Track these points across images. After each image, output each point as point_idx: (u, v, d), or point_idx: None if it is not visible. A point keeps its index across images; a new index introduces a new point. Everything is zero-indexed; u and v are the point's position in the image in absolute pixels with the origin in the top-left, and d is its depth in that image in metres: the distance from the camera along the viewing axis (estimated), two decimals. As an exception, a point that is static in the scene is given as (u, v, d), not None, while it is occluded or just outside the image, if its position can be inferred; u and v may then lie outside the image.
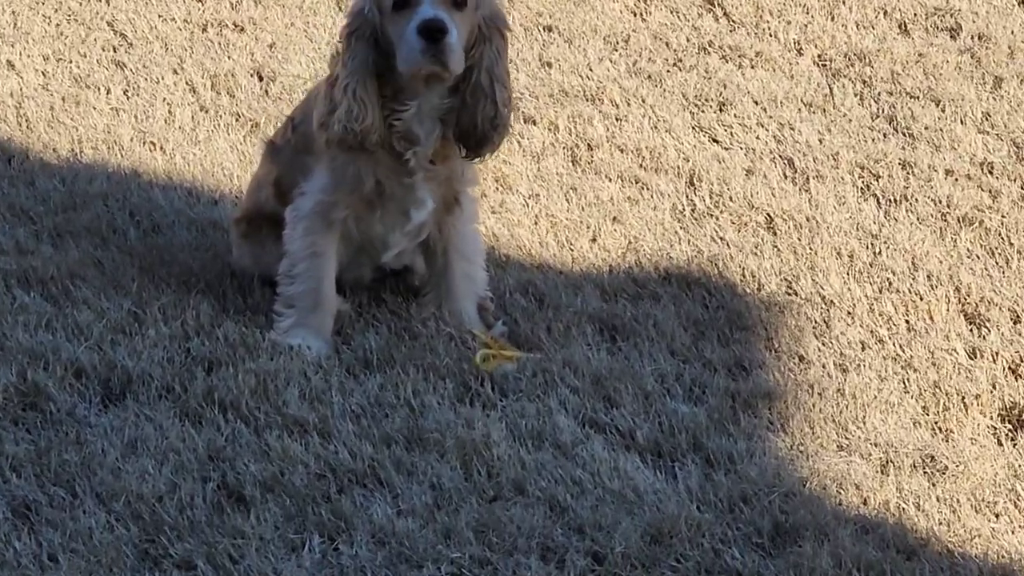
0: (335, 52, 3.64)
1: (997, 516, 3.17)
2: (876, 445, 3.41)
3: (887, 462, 3.36)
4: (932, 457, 3.37)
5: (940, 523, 3.12)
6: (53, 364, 3.62)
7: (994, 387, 3.76)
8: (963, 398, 3.68)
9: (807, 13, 6.10)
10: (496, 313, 3.98)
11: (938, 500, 3.19)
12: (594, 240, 4.54)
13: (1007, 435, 3.55)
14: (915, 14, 6.10)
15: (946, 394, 3.70)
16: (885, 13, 6.10)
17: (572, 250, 4.48)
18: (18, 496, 3.05)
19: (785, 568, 2.90)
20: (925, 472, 3.32)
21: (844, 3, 6.17)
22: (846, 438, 3.45)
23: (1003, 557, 3.04)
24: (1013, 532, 3.13)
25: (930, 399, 3.68)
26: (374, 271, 3.97)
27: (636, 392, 3.55)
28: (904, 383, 3.75)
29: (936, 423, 3.57)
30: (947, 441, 3.48)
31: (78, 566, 2.84)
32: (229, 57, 5.86)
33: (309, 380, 3.54)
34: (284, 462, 3.15)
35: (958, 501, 3.19)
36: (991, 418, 3.61)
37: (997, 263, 4.43)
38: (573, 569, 2.86)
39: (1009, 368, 3.87)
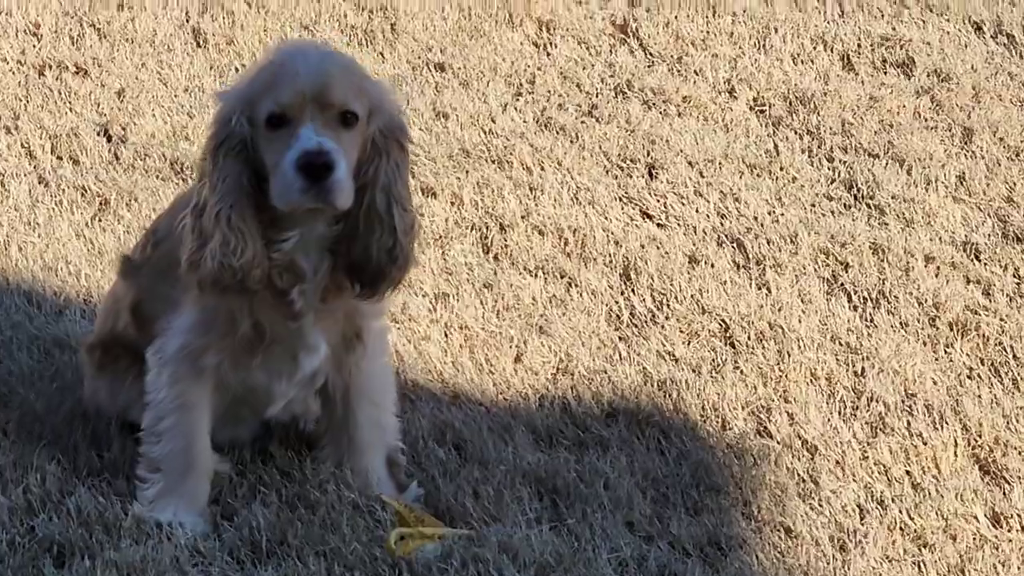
0: (200, 170, 3.15)
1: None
2: None
3: None
4: None
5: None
6: None
7: None
8: None
9: (735, 44, 5.76)
10: (409, 469, 3.48)
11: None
12: (518, 359, 4.04)
13: None
14: (859, 45, 5.81)
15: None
16: (824, 44, 5.74)
17: (493, 373, 4.01)
18: None
19: None
20: None
21: (776, 31, 5.80)
22: None
23: None
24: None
25: None
26: (257, 426, 3.53)
27: None
28: (920, 568, 3.22)
29: None
30: None
31: None
32: (71, 109, 5.34)
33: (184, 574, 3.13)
34: None
35: None
36: None
37: (1004, 386, 4.00)
38: None
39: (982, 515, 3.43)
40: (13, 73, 5.55)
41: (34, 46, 5.69)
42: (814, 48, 5.62)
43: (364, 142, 3.02)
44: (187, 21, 5.99)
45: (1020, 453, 3.65)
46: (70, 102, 5.40)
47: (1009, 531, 3.39)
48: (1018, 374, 4.10)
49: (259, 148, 2.99)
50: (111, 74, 5.56)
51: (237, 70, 5.52)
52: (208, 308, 3.15)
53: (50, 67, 5.62)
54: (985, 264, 4.48)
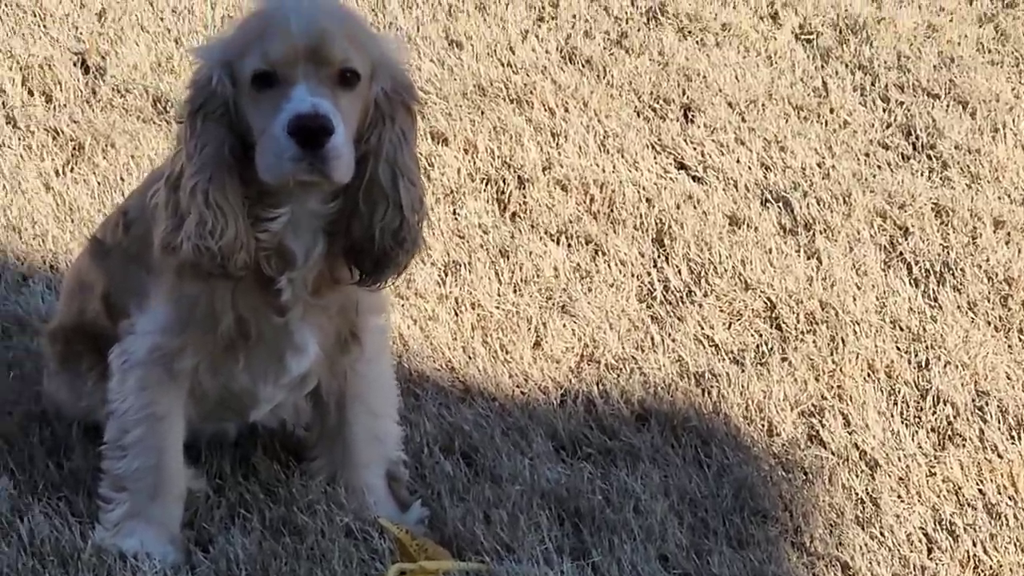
0: (176, 137, 2.93)
1: None
2: None
3: None
4: None
5: None
6: None
7: None
8: None
9: None
10: (412, 484, 3.25)
11: None
12: (537, 344, 3.79)
13: None
14: None
15: None
16: None
17: (509, 361, 3.73)
18: None
19: None
20: None
21: None
22: None
23: None
24: None
25: None
26: (241, 425, 3.32)
27: None
28: None
29: None
30: None
31: None
32: (46, 34, 5.16)
33: None
34: None
35: None
36: None
37: None
38: None
39: None
40: None
41: None
42: None
43: (366, 105, 2.76)
44: None
45: None
46: (45, 25, 5.21)
47: None
48: None
49: (244, 111, 2.73)
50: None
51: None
52: (183, 301, 2.91)
53: None
54: None
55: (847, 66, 4.90)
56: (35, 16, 5.11)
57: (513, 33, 5.00)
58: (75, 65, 5.02)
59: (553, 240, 4.09)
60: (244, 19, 2.89)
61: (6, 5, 5.18)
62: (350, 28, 2.79)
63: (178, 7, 5.20)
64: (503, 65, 4.88)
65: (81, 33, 5.06)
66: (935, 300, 3.93)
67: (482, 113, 4.61)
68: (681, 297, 3.85)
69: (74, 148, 4.57)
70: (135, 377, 2.95)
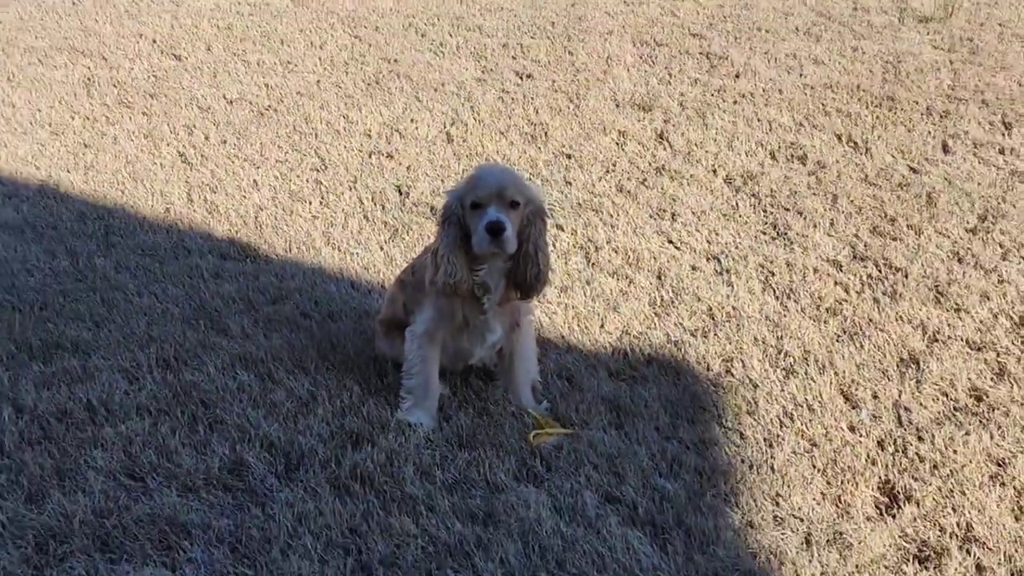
0: (436, 231, 4.39)
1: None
2: (799, 519, 3.99)
3: (808, 536, 3.94)
4: (840, 533, 3.94)
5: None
6: (254, 439, 4.41)
7: (872, 463, 4.36)
8: (853, 473, 4.26)
9: (716, 144, 7.63)
10: (541, 394, 4.79)
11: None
12: (602, 326, 5.47)
13: (887, 509, 4.10)
14: (779, 146, 7.68)
15: (840, 470, 4.29)
16: (761, 145, 7.65)
17: (587, 335, 5.37)
18: (219, 569, 3.76)
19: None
20: (836, 547, 3.89)
21: (736, 139, 7.76)
22: (778, 513, 4.02)
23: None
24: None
25: (831, 474, 4.26)
26: (464, 367, 4.81)
27: (636, 470, 4.24)
28: (811, 460, 4.36)
29: (838, 496, 4.12)
30: (847, 515, 4.02)
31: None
32: (383, 176, 7.44)
33: (421, 457, 4.31)
34: (401, 538, 3.84)
35: (858, 573, 3.80)
36: (873, 490, 4.18)
37: (856, 346, 5.24)
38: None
39: (877, 443, 4.49)
40: (356, 157, 7.96)
41: (368, 142, 8.29)
42: (755, 147, 8.28)
43: (522, 217, 4.23)
44: (444, 127, 8.39)
45: (864, 388, 5.01)
46: (383, 173, 7.66)
47: (859, 436, 4.63)
48: (862, 341, 5.37)
49: (466, 220, 4.21)
50: (404, 158, 7.90)
51: (464, 169, 7.54)
52: (438, 307, 4.45)
53: (374, 154, 7.99)
54: (844, 273, 6.31)
55: (746, 195, 7.29)
56: (377, 170, 7.82)
57: (595, 178, 7.55)
58: (395, 191, 7.37)
59: (611, 277, 6.14)
60: (468, 176, 4.34)
61: (366, 165, 7.91)
62: (516, 181, 4.24)
63: (444, 166, 7.86)
64: (590, 194, 7.22)
65: (399, 177, 7.65)
66: (787, 308, 5.75)
67: (579, 216, 6.85)
68: (668, 304, 5.82)
69: (392, 231, 6.75)
70: (416, 342, 4.53)
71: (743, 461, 4.40)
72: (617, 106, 8.41)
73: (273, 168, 7.51)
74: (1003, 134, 7.58)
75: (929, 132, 7.86)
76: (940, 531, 4.00)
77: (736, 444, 4.51)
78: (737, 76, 8.97)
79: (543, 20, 9.86)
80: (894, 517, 4.04)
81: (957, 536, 3.98)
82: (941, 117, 7.91)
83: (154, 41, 9.85)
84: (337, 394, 4.74)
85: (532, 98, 8.50)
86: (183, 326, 5.41)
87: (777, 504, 4.11)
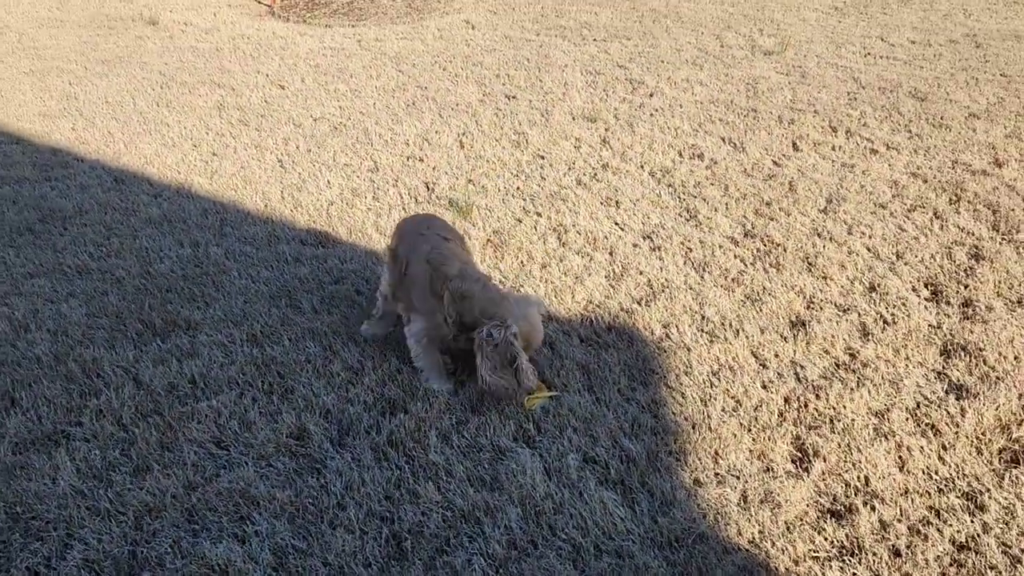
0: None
1: (812, 541, 4.06)
2: (736, 477, 4.39)
3: (744, 494, 4.31)
4: (769, 492, 4.31)
5: (783, 551, 4.04)
6: (314, 407, 4.97)
7: (783, 419, 4.89)
8: (770, 430, 4.76)
9: (641, 146, 9.40)
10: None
11: (780, 534, 4.10)
12: (572, 297, 6.27)
13: (800, 463, 4.52)
14: (683, 148, 9.53)
15: (761, 427, 4.80)
16: (671, 147, 9.72)
17: (562, 304, 6.17)
18: (278, 542, 4.16)
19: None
20: (768, 506, 4.25)
21: (655, 142, 9.75)
22: (718, 471, 4.44)
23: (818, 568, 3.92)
24: (827, 559, 3.99)
25: (754, 431, 4.76)
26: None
27: (606, 431, 4.73)
28: (738, 419, 4.89)
29: (761, 452, 4.60)
30: (771, 471, 4.44)
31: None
32: (416, 176, 8.95)
33: (442, 422, 4.81)
34: (426, 505, 4.23)
35: (788, 531, 4.10)
36: (788, 445, 4.68)
37: (757, 310, 6.05)
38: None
39: (784, 400, 5.03)
40: (394, 160, 9.70)
41: (406, 148, 10.05)
42: (667, 148, 10.16)
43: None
44: (458, 136, 10.44)
45: (770, 351, 5.72)
46: (416, 173, 9.19)
47: (768, 394, 5.24)
48: (760, 308, 6.18)
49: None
50: (431, 160, 9.69)
51: (472, 168, 9.38)
52: (429, 323, 5.02)
53: (410, 158, 9.59)
54: (741, 247, 7.49)
55: (666, 185, 8.75)
56: (412, 170, 9.36)
57: (560, 173, 9.31)
58: (424, 187, 8.73)
59: (577, 255, 7.14)
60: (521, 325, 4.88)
61: (402, 166, 9.50)
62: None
63: (464, 164, 9.36)
64: (559, 186, 8.61)
65: (427, 177, 9.13)
66: (704, 280, 6.60)
67: (552, 205, 8.31)
68: (618, 277, 6.90)
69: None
70: (414, 339, 5.14)
71: (686, 419, 4.88)
72: (573, 119, 10.57)
73: (341, 171, 9.18)
74: (832, 135, 9.70)
75: (782, 135, 9.81)
76: (846, 486, 4.39)
77: (680, 403, 5.01)
78: (651, 95, 11.41)
79: (522, 58, 13.33)
80: (808, 472, 4.45)
81: (860, 492, 4.36)
82: (789, 123, 10.11)
83: (267, 76, 12.81)
84: (379, 366, 5.42)
85: (516, 114, 10.77)
86: (269, 304, 6.30)
87: (716, 462, 4.54)
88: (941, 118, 9.89)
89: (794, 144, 9.25)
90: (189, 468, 4.57)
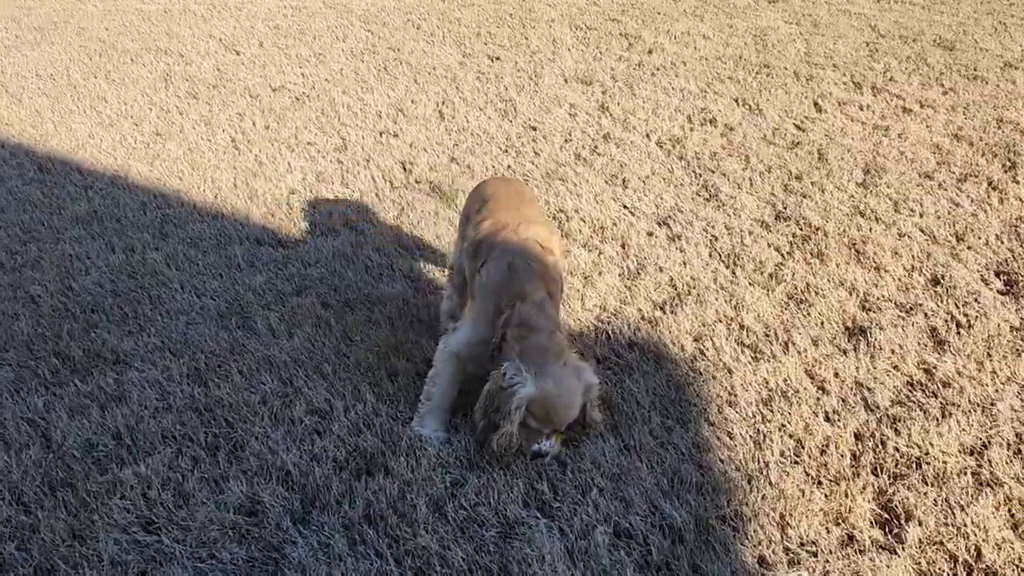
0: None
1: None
2: (813, 554, 3.87)
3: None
4: (858, 574, 3.76)
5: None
6: (270, 469, 4.45)
7: (858, 462, 4.31)
8: (845, 482, 4.18)
9: (644, 111, 8.81)
10: None
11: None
12: (582, 304, 5.74)
13: (890, 529, 3.98)
14: (693, 112, 8.78)
15: (833, 477, 4.21)
16: (679, 111, 8.92)
17: (571, 314, 5.60)
18: None
19: None
20: None
21: (659, 106, 8.91)
22: (788, 545, 3.92)
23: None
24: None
25: (825, 484, 4.18)
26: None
27: (640, 492, 4.17)
28: (803, 466, 4.30)
29: (838, 514, 4.01)
30: (855, 542, 3.91)
31: None
32: (391, 155, 8.46)
33: (433, 486, 4.28)
34: None
35: None
36: (870, 502, 4.08)
37: (804, 314, 5.51)
38: None
39: (855, 436, 4.51)
40: (366, 137, 9.16)
41: (379, 122, 9.75)
42: (676, 114, 9.38)
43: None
44: (437, 106, 9.90)
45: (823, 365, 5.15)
46: (390, 151, 8.65)
47: (834, 427, 4.65)
48: (808, 310, 5.73)
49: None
50: (407, 136, 9.01)
51: (454, 144, 8.92)
52: (475, 332, 4.61)
53: (384, 133, 9.19)
54: (773, 234, 6.94)
55: (677, 157, 8.23)
56: (385, 148, 8.85)
57: (557, 148, 8.17)
58: (402, 168, 8.30)
59: (583, 248, 6.32)
60: (544, 398, 4.33)
61: (377, 143, 8.92)
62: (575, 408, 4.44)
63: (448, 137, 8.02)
64: (556, 164, 7.65)
65: (404, 154, 8.65)
66: (736, 275, 6.12)
67: (549, 185, 7.37)
68: (634, 274, 6.13)
69: (399, 210, 7.54)
70: (446, 354, 4.69)
71: (738, 470, 4.34)
72: (566, 82, 9.96)
73: (304, 151, 8.58)
74: (857, 92, 8.91)
75: (801, 94, 9.24)
76: (952, 561, 3.89)
77: (728, 448, 4.48)
78: (650, 52, 10.79)
79: (503, 12, 12.67)
80: (902, 542, 3.93)
81: (974, 569, 3.87)
82: (807, 80, 9.46)
83: (220, 40, 12.01)
84: (352, 404, 4.86)
85: (501, 78, 10.21)
86: (216, 326, 5.68)
87: (784, 532, 4.00)
88: (975, 69, 9.33)
89: (816, 104, 8.72)
90: (106, 568, 3.90)
